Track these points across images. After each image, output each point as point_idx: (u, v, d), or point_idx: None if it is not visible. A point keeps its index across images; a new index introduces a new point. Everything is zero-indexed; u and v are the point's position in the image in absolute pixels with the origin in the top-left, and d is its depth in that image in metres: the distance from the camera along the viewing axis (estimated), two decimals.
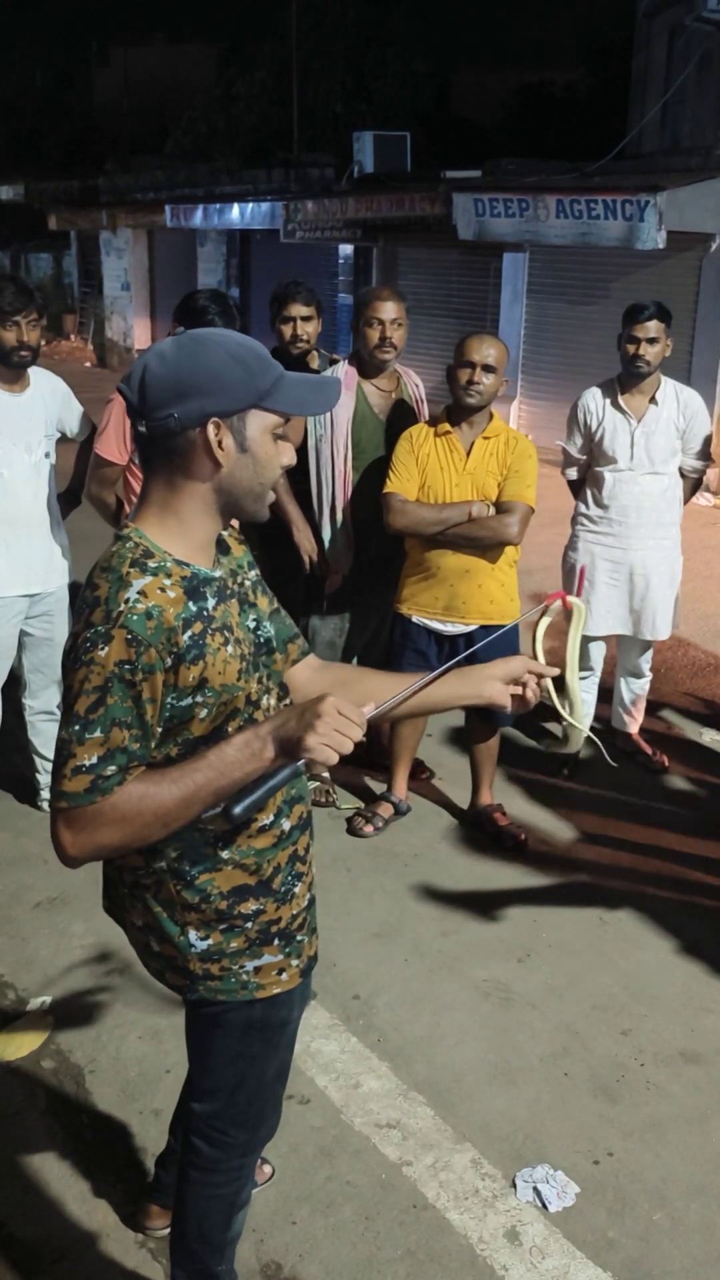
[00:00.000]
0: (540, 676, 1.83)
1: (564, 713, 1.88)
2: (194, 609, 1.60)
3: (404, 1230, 2.42)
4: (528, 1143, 2.67)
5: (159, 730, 1.60)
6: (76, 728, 1.53)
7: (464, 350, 3.63)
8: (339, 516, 3.97)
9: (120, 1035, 2.98)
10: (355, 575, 4.06)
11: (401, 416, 3.99)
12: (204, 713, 1.63)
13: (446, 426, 3.71)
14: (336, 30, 22.14)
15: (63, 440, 3.90)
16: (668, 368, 4.28)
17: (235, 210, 15.78)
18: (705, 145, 10.92)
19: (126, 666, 1.52)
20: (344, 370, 3.93)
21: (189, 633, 1.58)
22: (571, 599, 1.90)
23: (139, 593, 1.54)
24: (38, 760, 4.08)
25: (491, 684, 1.83)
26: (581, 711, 1.93)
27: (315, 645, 4.09)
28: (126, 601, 1.53)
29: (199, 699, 1.61)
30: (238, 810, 1.53)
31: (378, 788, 4.30)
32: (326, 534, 4.00)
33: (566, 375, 10.95)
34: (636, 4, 16.40)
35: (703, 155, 10.30)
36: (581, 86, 24.70)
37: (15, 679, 3.96)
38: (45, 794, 4.02)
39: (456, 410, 3.70)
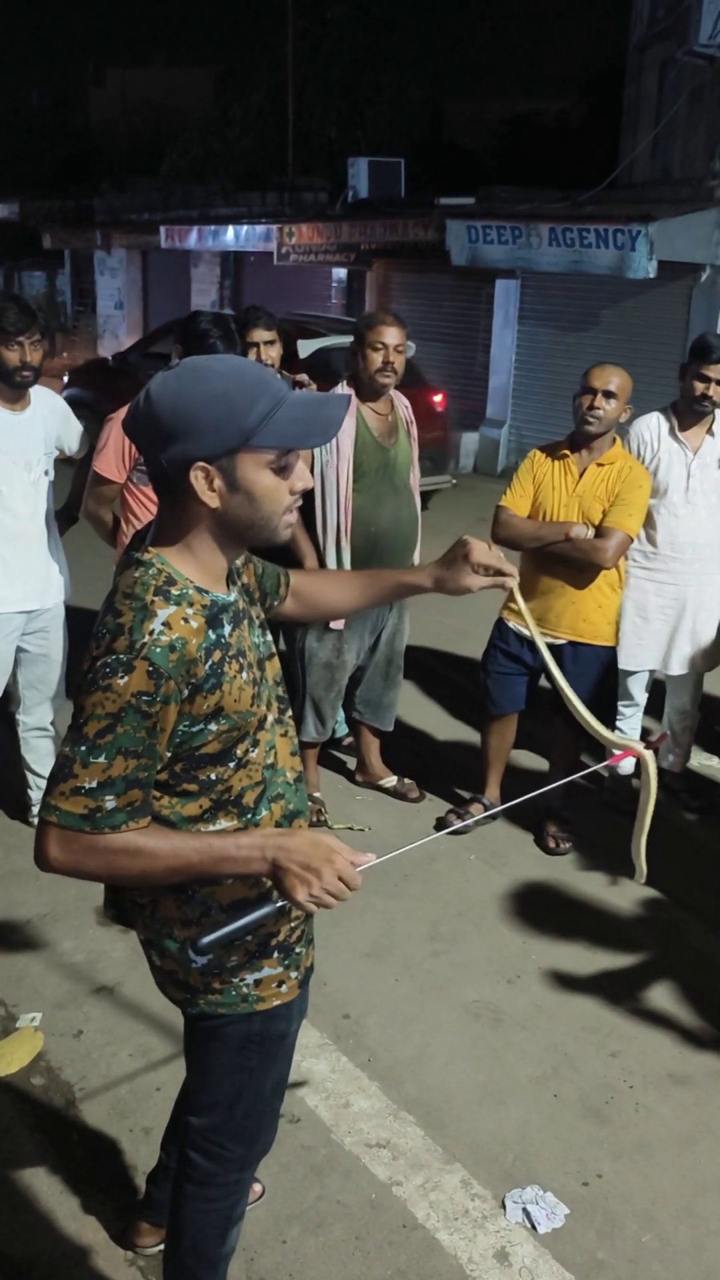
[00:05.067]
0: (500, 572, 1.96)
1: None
2: (214, 637, 1.62)
3: (394, 1250, 2.43)
4: (517, 1163, 2.68)
5: (167, 755, 1.63)
6: (82, 749, 1.54)
7: (587, 377, 3.76)
8: (343, 540, 3.99)
9: (111, 1053, 2.98)
10: None
11: (397, 440, 4.03)
12: (216, 738, 1.66)
13: (565, 450, 3.87)
14: (332, 56, 22.33)
15: (60, 458, 3.93)
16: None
17: (230, 232, 15.87)
18: (696, 177, 11.06)
19: (144, 698, 1.53)
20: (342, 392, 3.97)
21: (209, 662, 1.60)
22: (642, 751, 2.05)
23: (164, 624, 1.55)
24: (30, 777, 4.08)
25: (439, 572, 1.97)
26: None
27: (311, 667, 4.11)
28: (151, 633, 1.54)
29: (213, 726, 1.64)
30: (204, 942, 1.62)
31: (362, 796, 4.32)
32: (331, 557, 4.00)
33: (556, 401, 11.02)
34: (628, 36, 16.63)
35: (693, 187, 10.43)
36: (573, 116, 24.94)
37: (9, 695, 3.97)
38: (36, 810, 4.02)
39: (578, 435, 3.84)
